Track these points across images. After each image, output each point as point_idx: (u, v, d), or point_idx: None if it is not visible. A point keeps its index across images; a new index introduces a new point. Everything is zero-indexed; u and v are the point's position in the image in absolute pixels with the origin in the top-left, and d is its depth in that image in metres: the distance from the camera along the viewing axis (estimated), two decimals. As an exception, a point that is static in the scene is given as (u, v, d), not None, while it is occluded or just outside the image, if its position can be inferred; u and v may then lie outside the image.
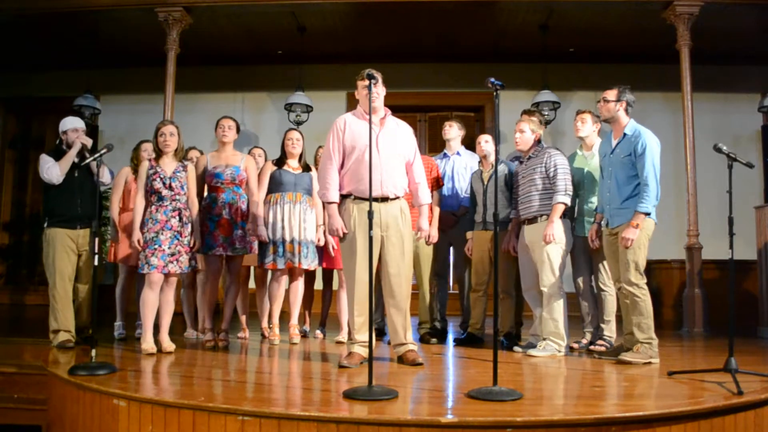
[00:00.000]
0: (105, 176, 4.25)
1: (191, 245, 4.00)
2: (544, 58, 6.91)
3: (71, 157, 4.11)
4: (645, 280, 3.64)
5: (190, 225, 4.01)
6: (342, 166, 3.61)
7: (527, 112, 4.58)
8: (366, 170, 3.37)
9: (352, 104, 7.54)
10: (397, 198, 3.58)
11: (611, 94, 3.79)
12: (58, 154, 4.18)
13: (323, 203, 3.80)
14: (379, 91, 3.56)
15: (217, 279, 4.32)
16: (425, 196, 3.70)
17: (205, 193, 4.31)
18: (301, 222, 4.38)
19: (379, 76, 3.54)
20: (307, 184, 4.50)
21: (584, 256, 4.26)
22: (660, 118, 6.91)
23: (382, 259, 3.56)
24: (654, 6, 5.90)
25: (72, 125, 4.26)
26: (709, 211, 6.11)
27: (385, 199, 3.52)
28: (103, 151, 3.71)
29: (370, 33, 6.83)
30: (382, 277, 3.61)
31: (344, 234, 3.55)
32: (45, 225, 4.14)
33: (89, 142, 4.22)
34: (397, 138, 3.60)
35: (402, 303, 3.58)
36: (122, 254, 4.56)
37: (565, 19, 6.40)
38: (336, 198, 3.59)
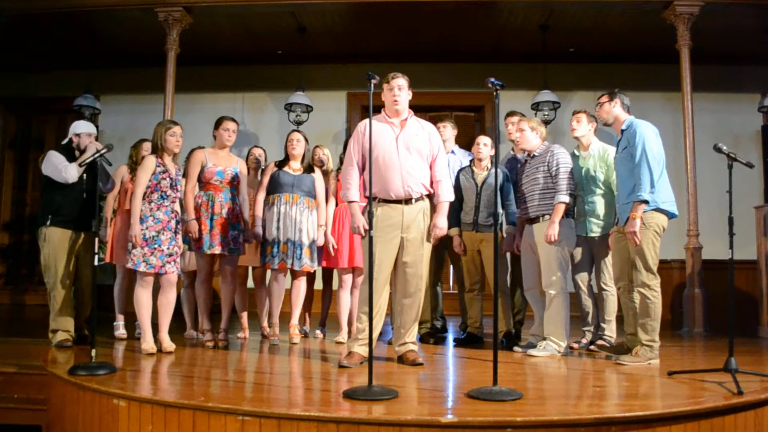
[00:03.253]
0: (108, 183, 4.28)
1: (181, 247, 4.03)
2: (544, 58, 6.91)
3: (86, 159, 4.08)
4: (658, 281, 3.57)
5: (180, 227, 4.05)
6: (364, 168, 3.63)
7: (511, 114, 4.59)
8: (385, 171, 3.48)
9: (352, 104, 7.56)
10: (421, 198, 3.58)
11: (603, 97, 3.83)
12: (67, 153, 4.18)
13: (346, 202, 3.82)
14: (402, 92, 3.59)
15: (210, 278, 4.31)
16: (445, 193, 3.64)
17: (197, 191, 4.26)
18: (296, 223, 4.37)
19: (405, 80, 3.61)
20: (307, 185, 4.49)
21: (586, 255, 4.25)
22: (660, 118, 6.85)
23: (400, 259, 3.57)
24: (654, 6, 5.89)
25: (86, 129, 4.28)
26: (709, 211, 6.10)
27: (408, 201, 3.54)
28: (103, 151, 3.72)
29: (370, 33, 6.83)
30: (399, 276, 3.61)
31: (366, 232, 3.57)
32: (47, 223, 4.10)
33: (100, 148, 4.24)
34: (419, 138, 3.60)
35: (416, 303, 3.59)
36: (120, 254, 4.55)
37: (565, 19, 6.40)
38: (356, 197, 3.63)
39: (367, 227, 3.54)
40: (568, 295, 3.94)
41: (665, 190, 3.62)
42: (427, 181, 3.61)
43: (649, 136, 3.59)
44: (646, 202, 3.52)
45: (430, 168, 3.64)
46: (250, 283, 4.93)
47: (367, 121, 3.65)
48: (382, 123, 3.63)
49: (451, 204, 4.48)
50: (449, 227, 4.48)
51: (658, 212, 3.57)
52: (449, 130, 4.93)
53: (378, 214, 3.52)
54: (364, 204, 3.68)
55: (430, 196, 3.64)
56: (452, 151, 4.92)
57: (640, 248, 3.54)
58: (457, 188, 4.48)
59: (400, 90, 3.58)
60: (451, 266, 5.32)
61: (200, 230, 4.12)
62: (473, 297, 4.49)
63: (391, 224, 3.50)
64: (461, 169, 4.55)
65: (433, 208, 3.64)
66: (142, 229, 3.86)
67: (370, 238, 3.04)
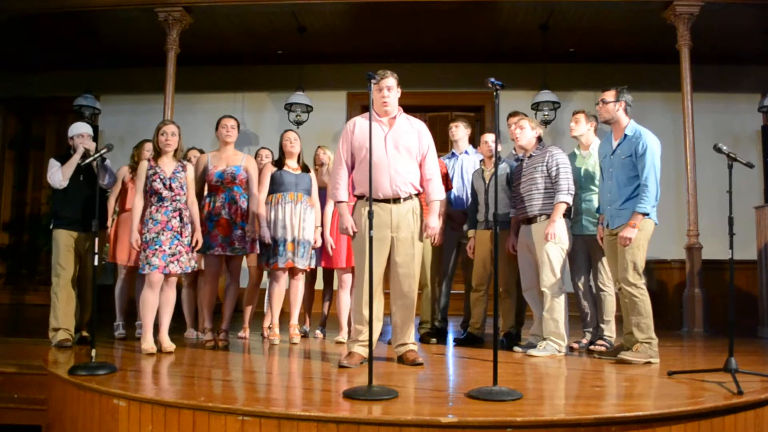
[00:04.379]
0: (105, 179, 4.30)
1: (192, 245, 4.00)
2: (544, 58, 6.91)
3: (74, 162, 4.20)
4: (643, 280, 3.64)
5: (190, 225, 4.02)
6: (353, 167, 3.63)
7: (514, 114, 4.60)
8: (375, 171, 3.42)
9: (352, 104, 7.56)
10: (410, 197, 3.56)
11: (609, 95, 3.79)
12: (66, 159, 4.26)
13: (334, 203, 3.81)
14: (391, 92, 3.57)
15: (216, 279, 4.31)
16: (436, 192, 3.62)
17: (205, 193, 4.30)
18: (300, 222, 4.40)
19: (395, 78, 3.59)
20: (307, 184, 4.52)
21: (583, 255, 4.26)
22: (660, 118, 6.91)
23: (392, 259, 3.56)
24: (654, 6, 5.89)
25: (78, 131, 4.35)
26: (709, 211, 6.10)
27: (397, 200, 3.52)
28: (103, 151, 3.73)
29: (370, 33, 6.83)
30: (392, 276, 3.60)
31: (354, 233, 3.56)
32: (51, 226, 4.23)
33: (92, 147, 4.28)
34: (408, 136, 3.58)
35: (410, 303, 3.58)
36: (121, 254, 4.56)
37: (565, 19, 6.40)
38: (345, 197, 3.61)
39: (356, 228, 3.55)
40: (566, 294, 3.95)
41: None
42: (416, 180, 3.59)
43: (656, 152, 3.64)
44: (647, 214, 3.59)
45: (420, 167, 3.62)
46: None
47: (355, 119, 3.67)
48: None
49: (469, 206, 4.54)
50: (468, 229, 4.52)
51: (649, 220, 3.66)
52: (462, 129, 4.90)
53: (366, 214, 3.51)
54: (354, 203, 3.68)
55: (420, 195, 3.63)
56: (465, 152, 4.90)
57: (632, 249, 3.60)
58: (472, 189, 4.53)
59: (389, 90, 3.55)
60: (462, 266, 5.30)
61: (201, 232, 4.11)
62: (478, 297, 4.48)
63: (380, 224, 3.47)
64: (475, 171, 4.59)
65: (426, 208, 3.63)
66: (143, 233, 3.87)
67: (370, 238, 3.03)
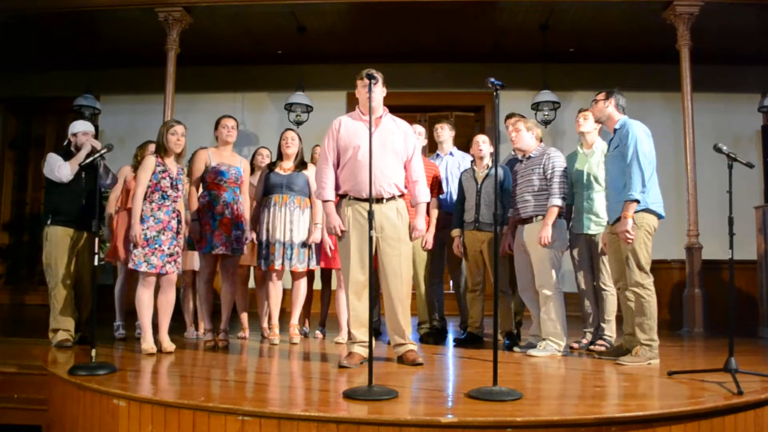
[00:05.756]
0: (109, 179, 4.31)
1: (182, 246, 4.04)
2: (544, 58, 6.91)
3: (81, 158, 4.13)
4: (651, 279, 3.58)
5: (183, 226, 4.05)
6: (338, 165, 3.61)
7: (510, 116, 4.60)
8: (359, 170, 3.41)
9: (351, 104, 7.55)
10: (393, 198, 3.55)
11: (600, 95, 3.83)
12: (66, 155, 4.22)
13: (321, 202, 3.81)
14: (377, 91, 3.54)
15: (213, 278, 4.31)
16: (422, 194, 3.63)
17: (201, 190, 4.27)
18: (286, 224, 4.36)
19: (379, 76, 3.53)
20: (300, 184, 4.46)
21: (585, 255, 4.26)
22: (660, 118, 6.91)
23: (379, 260, 3.55)
24: (654, 6, 5.90)
25: (83, 128, 4.32)
26: (709, 211, 6.10)
27: (380, 200, 3.50)
28: (103, 151, 3.73)
29: (370, 33, 6.83)
30: (381, 277, 3.60)
31: (341, 233, 3.55)
32: (48, 222, 4.15)
33: (98, 145, 4.26)
34: (394, 137, 3.57)
35: (401, 304, 3.55)
36: (121, 253, 4.54)
37: (565, 19, 6.40)
38: (331, 197, 3.58)
39: (343, 228, 3.53)
40: (562, 294, 3.95)
41: (655, 191, 3.63)
42: (400, 182, 3.57)
43: (641, 137, 3.58)
44: (637, 201, 3.52)
45: (405, 168, 3.62)
46: (251, 284, 4.93)
47: (341, 117, 3.66)
48: (356, 121, 3.58)
49: (455, 205, 4.53)
50: (452, 228, 4.51)
51: (648, 213, 3.59)
52: (447, 131, 4.93)
53: (350, 214, 3.50)
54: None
55: (404, 197, 3.61)
56: (450, 153, 4.92)
57: (633, 247, 3.55)
58: (460, 189, 4.49)
59: (374, 86, 3.52)
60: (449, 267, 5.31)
61: (204, 231, 4.11)
62: (475, 297, 4.48)
63: (364, 224, 3.43)
64: (464, 171, 4.56)
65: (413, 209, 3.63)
66: (143, 229, 3.85)
67: (370, 238, 3.02)
